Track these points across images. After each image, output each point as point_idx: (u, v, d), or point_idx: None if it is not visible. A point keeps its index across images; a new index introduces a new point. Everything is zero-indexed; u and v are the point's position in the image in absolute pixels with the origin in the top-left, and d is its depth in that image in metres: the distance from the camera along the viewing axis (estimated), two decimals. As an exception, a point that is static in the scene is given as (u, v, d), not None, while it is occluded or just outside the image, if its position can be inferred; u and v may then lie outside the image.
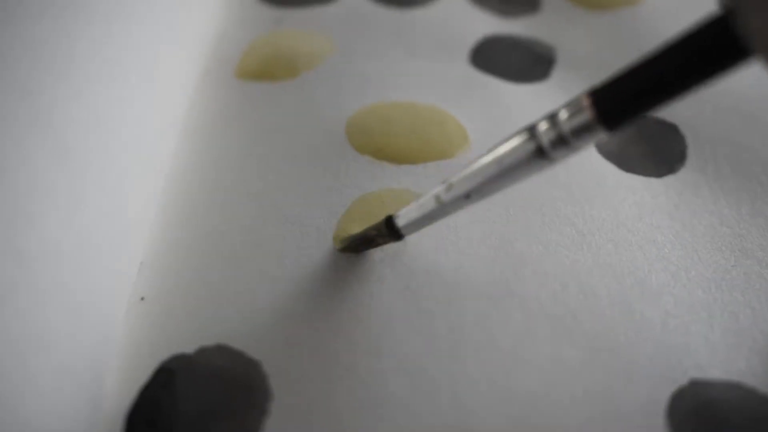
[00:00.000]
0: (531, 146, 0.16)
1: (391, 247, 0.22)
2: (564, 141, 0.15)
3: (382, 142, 0.25)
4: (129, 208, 0.22)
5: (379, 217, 0.22)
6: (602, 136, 0.15)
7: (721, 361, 0.19)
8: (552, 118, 0.15)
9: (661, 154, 0.26)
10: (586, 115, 0.14)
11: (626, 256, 0.22)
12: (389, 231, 0.20)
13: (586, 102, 0.14)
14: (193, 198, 0.24)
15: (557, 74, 0.30)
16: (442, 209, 0.18)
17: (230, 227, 0.23)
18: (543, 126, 0.15)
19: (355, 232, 0.22)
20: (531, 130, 0.16)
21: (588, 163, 0.25)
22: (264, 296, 0.21)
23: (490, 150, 0.17)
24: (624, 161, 0.25)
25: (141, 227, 0.22)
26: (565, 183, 0.24)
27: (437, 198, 0.18)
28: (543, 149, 0.15)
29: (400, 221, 0.20)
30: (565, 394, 0.19)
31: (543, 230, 0.22)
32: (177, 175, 0.25)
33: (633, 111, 0.14)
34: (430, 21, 0.33)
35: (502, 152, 0.16)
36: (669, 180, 0.25)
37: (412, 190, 0.23)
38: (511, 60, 0.30)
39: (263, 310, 0.20)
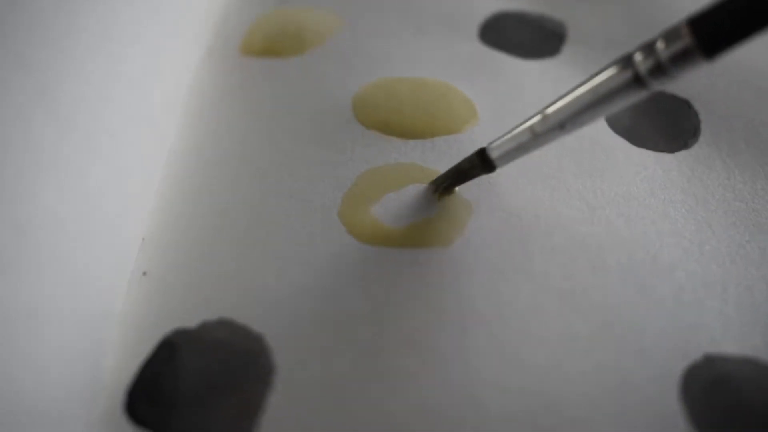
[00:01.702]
0: (628, 74, 0.16)
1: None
2: (662, 68, 0.15)
3: (390, 116, 0.25)
4: (131, 183, 0.21)
5: (386, 190, 0.21)
6: (702, 63, 0.14)
7: (735, 336, 0.19)
8: (648, 47, 0.15)
9: (674, 130, 0.25)
10: (685, 41, 0.14)
11: (638, 230, 0.21)
12: (482, 163, 0.20)
13: (684, 29, 0.14)
14: (196, 173, 0.24)
15: (568, 50, 0.29)
16: (536, 140, 0.19)
17: (234, 202, 0.22)
18: (639, 56, 0.15)
19: (443, 173, 0.22)
20: (627, 60, 0.16)
21: (599, 138, 0.24)
22: (268, 270, 0.20)
23: (585, 81, 0.17)
24: (636, 136, 0.25)
25: (143, 202, 0.22)
26: (576, 157, 0.24)
27: (532, 129, 0.18)
28: (640, 76, 0.15)
29: (494, 153, 0.20)
30: (576, 368, 0.18)
31: (553, 204, 0.22)
32: (181, 150, 0.24)
33: (733, 35, 0.14)
34: (439, -3, 0.32)
35: (598, 82, 0.16)
36: (682, 155, 0.24)
37: (419, 164, 0.23)
38: (521, 36, 0.30)
39: (267, 284, 0.20)
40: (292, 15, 0.31)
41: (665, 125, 0.25)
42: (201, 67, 0.28)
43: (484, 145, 0.21)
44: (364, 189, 0.22)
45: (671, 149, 0.24)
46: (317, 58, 0.28)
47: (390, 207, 0.22)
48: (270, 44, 0.29)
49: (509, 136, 0.19)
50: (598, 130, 0.25)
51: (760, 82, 0.27)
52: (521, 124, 0.19)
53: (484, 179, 0.22)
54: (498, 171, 0.21)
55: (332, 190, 0.23)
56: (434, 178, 0.22)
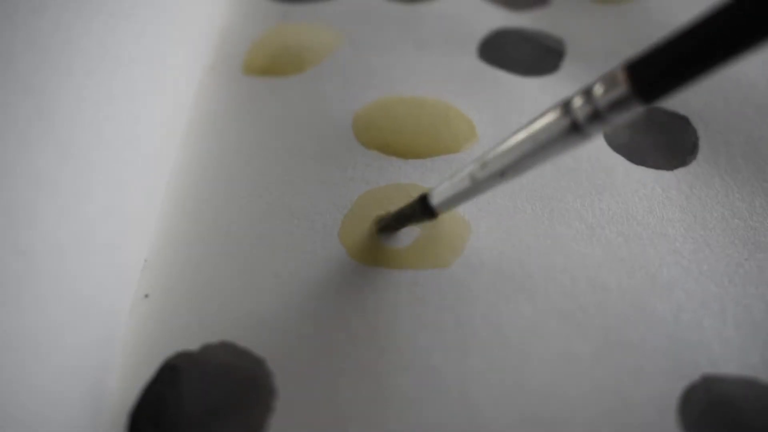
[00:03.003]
0: (566, 122, 0.15)
1: (397, 242, 0.21)
2: (599, 116, 0.15)
3: (389, 136, 0.25)
4: (133, 204, 0.21)
5: (385, 211, 0.21)
6: (638, 109, 0.14)
7: (734, 356, 0.19)
8: (586, 93, 0.15)
9: (673, 147, 0.25)
10: (622, 88, 0.14)
11: (637, 249, 0.21)
12: (423, 209, 0.20)
13: (621, 75, 0.14)
14: (198, 194, 0.24)
15: (567, 67, 0.29)
16: (476, 187, 0.18)
17: (236, 223, 0.23)
18: (577, 102, 0.15)
19: (388, 212, 0.22)
20: (565, 106, 0.15)
21: (598, 155, 0.25)
22: (269, 293, 0.20)
23: (523, 127, 0.17)
24: (634, 154, 0.25)
25: (145, 224, 0.22)
26: (574, 176, 0.24)
27: (472, 176, 0.18)
28: (578, 125, 0.15)
29: (434, 200, 0.20)
30: (576, 390, 0.18)
31: (552, 223, 0.22)
32: (182, 171, 0.25)
33: (671, 82, 0.13)
34: (438, 14, 0.32)
35: (537, 128, 0.16)
36: (680, 172, 0.24)
37: (419, 184, 0.23)
38: (520, 53, 0.30)
39: (268, 307, 0.20)
40: (293, 32, 0.31)
41: (664, 142, 0.25)
42: (202, 85, 0.28)
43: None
44: (364, 210, 0.22)
45: (670, 166, 0.24)
46: (318, 76, 0.28)
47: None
48: (271, 63, 0.29)
49: (449, 183, 0.19)
50: (596, 148, 0.25)
51: (758, 99, 0.27)
52: (460, 170, 0.19)
53: (481, 197, 0.22)
54: (496, 190, 0.21)
55: (333, 210, 0.23)
56: (379, 218, 0.22)
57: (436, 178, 0.23)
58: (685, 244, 0.22)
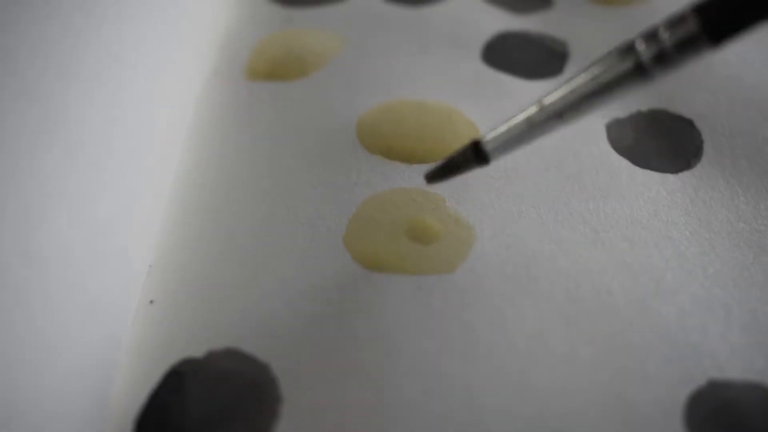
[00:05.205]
0: (630, 63, 0.15)
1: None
2: (665, 57, 0.15)
3: (393, 141, 0.25)
4: (138, 209, 0.22)
5: (389, 215, 0.21)
6: (707, 51, 0.14)
7: (740, 360, 0.19)
8: (651, 34, 0.15)
9: (677, 150, 0.25)
10: (690, 26, 0.14)
11: (641, 253, 0.21)
12: (476, 155, 0.19)
13: (690, 14, 0.14)
14: (202, 200, 0.24)
15: (571, 70, 0.29)
16: (533, 130, 0.18)
17: (240, 228, 0.23)
18: (641, 45, 0.15)
19: (438, 161, 0.21)
20: (628, 48, 0.15)
21: (602, 159, 0.25)
22: (274, 299, 0.20)
23: (585, 68, 0.16)
24: (638, 157, 0.25)
25: (150, 229, 0.22)
26: (578, 179, 0.24)
27: (529, 119, 0.17)
28: (643, 66, 0.15)
29: (489, 145, 0.19)
30: (581, 394, 0.18)
31: (556, 228, 0.22)
32: (186, 176, 0.25)
33: (740, 20, 0.13)
34: (442, 18, 0.32)
35: (599, 71, 0.16)
36: (685, 176, 0.24)
37: (423, 189, 0.23)
38: (524, 56, 0.30)
39: (273, 313, 0.20)
40: (296, 37, 0.31)
41: (668, 145, 0.25)
42: (205, 90, 0.28)
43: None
44: (368, 215, 0.22)
45: (674, 169, 0.24)
46: (321, 80, 0.28)
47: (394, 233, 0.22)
48: (274, 67, 0.29)
49: (505, 127, 0.18)
50: (601, 152, 0.25)
51: (762, 101, 0.27)
52: (517, 114, 0.18)
53: (486, 202, 0.22)
54: (501, 194, 0.21)
55: (337, 215, 0.23)
56: (426, 172, 0.21)
57: (439, 183, 0.23)
58: (690, 248, 0.22)
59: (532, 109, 0.17)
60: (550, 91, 0.17)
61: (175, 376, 0.19)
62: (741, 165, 0.24)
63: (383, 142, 0.25)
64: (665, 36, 0.14)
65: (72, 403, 0.17)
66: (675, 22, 0.14)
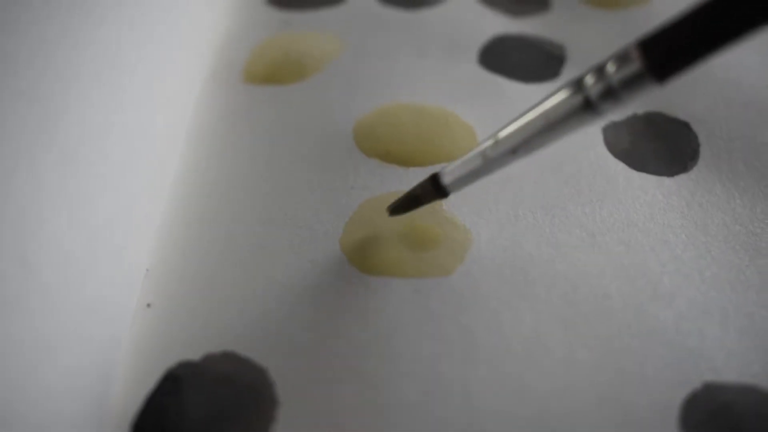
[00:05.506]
0: (578, 99, 0.15)
1: (399, 251, 0.21)
2: (612, 93, 0.15)
3: (391, 144, 0.25)
4: (136, 212, 0.22)
5: (386, 219, 0.21)
6: (652, 88, 0.14)
7: (736, 363, 0.19)
8: (599, 70, 0.15)
9: (673, 153, 0.25)
10: (636, 65, 0.14)
11: (638, 257, 0.21)
12: (435, 188, 0.20)
13: (635, 52, 0.14)
14: (199, 203, 0.24)
15: (568, 73, 0.29)
16: (488, 165, 0.18)
17: (237, 232, 0.23)
18: (590, 79, 0.15)
19: (399, 198, 0.21)
20: (578, 84, 0.15)
21: (598, 162, 0.25)
22: (271, 302, 0.20)
23: (536, 104, 0.17)
24: (635, 160, 0.25)
25: (147, 233, 0.22)
26: (575, 183, 0.24)
27: (483, 154, 0.18)
28: (591, 102, 0.15)
29: (446, 179, 0.19)
30: (578, 397, 0.18)
31: (553, 231, 0.22)
32: (183, 180, 0.25)
33: (684, 58, 0.13)
34: (439, 21, 0.32)
35: (549, 106, 0.16)
36: (681, 179, 0.24)
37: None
38: (521, 59, 0.30)
39: (270, 316, 0.20)
40: (294, 40, 0.31)
41: (665, 148, 0.25)
42: (202, 94, 0.28)
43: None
44: (365, 218, 0.22)
45: (671, 173, 0.24)
46: (319, 83, 0.28)
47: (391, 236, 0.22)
48: (272, 71, 0.29)
49: (461, 161, 0.19)
50: (597, 155, 0.25)
51: (759, 104, 0.27)
52: (473, 149, 0.19)
53: (483, 205, 0.22)
54: (498, 198, 0.21)
55: (334, 218, 0.23)
56: (389, 204, 0.22)
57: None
58: (686, 251, 0.22)
59: (488, 144, 0.18)
60: (503, 126, 0.17)
61: (173, 379, 0.19)
62: (738, 168, 0.25)
63: (381, 145, 0.25)
64: (612, 71, 0.15)
65: (70, 405, 0.17)
66: (622, 57, 0.14)
